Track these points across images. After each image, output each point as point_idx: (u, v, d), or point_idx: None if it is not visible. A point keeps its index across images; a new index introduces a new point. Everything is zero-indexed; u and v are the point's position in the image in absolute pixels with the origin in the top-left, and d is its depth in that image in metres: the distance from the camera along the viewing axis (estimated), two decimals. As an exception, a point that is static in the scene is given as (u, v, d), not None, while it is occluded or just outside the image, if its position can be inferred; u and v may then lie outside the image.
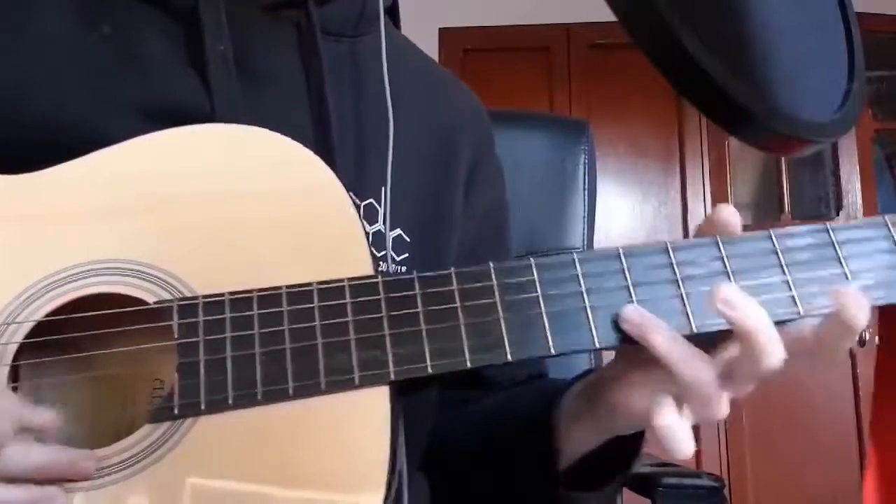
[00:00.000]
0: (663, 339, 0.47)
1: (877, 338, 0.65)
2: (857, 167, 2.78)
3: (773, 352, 0.46)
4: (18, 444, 0.42)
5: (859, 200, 2.77)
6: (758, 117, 0.39)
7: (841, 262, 0.50)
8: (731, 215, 0.51)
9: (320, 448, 0.45)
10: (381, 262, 0.60)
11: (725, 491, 0.89)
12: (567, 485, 0.58)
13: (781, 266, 0.50)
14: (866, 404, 2.59)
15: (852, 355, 2.62)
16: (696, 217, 2.85)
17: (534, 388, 0.66)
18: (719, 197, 2.83)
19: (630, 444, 0.56)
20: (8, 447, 0.41)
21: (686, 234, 2.85)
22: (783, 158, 2.78)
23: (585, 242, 1.02)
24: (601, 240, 2.77)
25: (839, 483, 2.58)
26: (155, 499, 0.44)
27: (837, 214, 2.78)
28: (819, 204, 2.93)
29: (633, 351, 0.50)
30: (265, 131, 0.53)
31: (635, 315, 0.48)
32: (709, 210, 2.84)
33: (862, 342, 2.57)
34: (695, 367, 0.47)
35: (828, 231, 0.51)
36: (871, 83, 2.81)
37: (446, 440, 0.67)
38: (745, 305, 0.46)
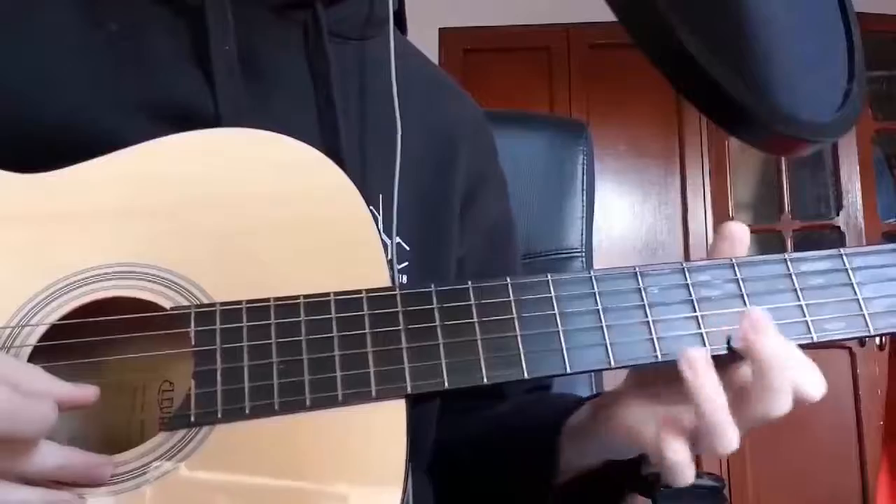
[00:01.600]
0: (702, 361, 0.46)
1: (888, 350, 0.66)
2: (857, 167, 2.77)
3: (781, 391, 0.46)
4: (37, 445, 0.41)
5: (859, 200, 2.77)
6: (758, 117, 0.39)
7: (854, 289, 0.51)
8: (738, 229, 0.52)
9: (337, 457, 0.45)
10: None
11: (725, 491, 0.89)
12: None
13: (796, 290, 0.50)
14: (866, 404, 2.59)
15: (852, 355, 2.61)
16: (696, 217, 2.84)
17: (544, 401, 0.66)
18: (719, 197, 2.83)
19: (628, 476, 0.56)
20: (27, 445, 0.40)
21: (686, 235, 2.85)
22: (783, 158, 2.78)
23: (583, 243, 1.02)
24: (601, 240, 2.77)
25: (839, 483, 2.58)
26: None
27: (837, 214, 2.78)
28: (819, 204, 2.93)
29: (645, 373, 0.49)
30: (279, 135, 0.52)
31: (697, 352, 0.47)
32: (709, 210, 2.85)
33: (862, 342, 2.57)
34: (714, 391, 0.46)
35: (841, 257, 0.52)
36: (871, 83, 2.81)
37: (451, 445, 0.66)
38: (772, 337, 0.46)
